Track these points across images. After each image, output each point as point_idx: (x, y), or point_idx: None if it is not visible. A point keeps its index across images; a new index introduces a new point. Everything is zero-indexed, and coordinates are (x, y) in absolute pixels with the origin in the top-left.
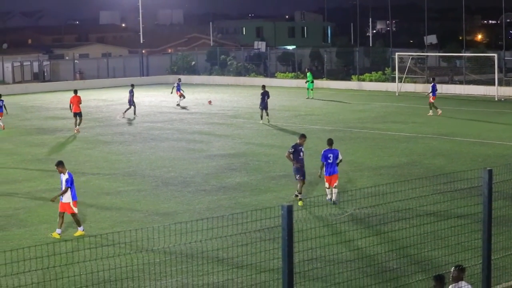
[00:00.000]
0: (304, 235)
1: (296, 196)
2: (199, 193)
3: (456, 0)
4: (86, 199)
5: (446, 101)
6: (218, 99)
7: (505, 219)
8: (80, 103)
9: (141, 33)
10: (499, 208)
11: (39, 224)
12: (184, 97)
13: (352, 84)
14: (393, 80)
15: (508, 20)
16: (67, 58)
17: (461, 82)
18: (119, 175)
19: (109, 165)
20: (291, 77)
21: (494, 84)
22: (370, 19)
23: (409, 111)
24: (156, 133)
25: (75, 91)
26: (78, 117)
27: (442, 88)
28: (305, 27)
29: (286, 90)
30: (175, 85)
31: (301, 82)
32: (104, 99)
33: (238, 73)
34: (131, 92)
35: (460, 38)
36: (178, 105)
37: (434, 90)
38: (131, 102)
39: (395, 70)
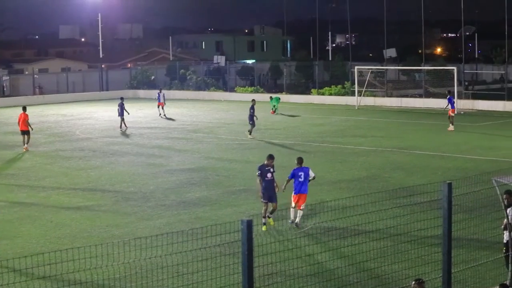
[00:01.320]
0: (264, 249)
1: (265, 218)
2: (159, 208)
3: (416, 13)
4: (46, 214)
5: (405, 115)
6: (178, 114)
7: (465, 232)
8: (27, 121)
9: (100, 48)
10: (459, 221)
11: None
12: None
13: (311, 98)
14: (352, 93)
15: (468, 33)
16: (26, 73)
17: (420, 96)
18: (79, 190)
19: (69, 180)
20: (251, 91)
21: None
22: (330, 32)
23: (369, 125)
24: (115, 148)
25: (24, 108)
26: (25, 135)
27: (402, 102)
28: (265, 41)
29: (246, 104)
30: (156, 96)
31: (260, 96)
32: (64, 114)
33: (198, 88)
34: (122, 105)
35: (420, 51)
36: (163, 115)
37: (452, 103)
38: (122, 114)
39: (355, 84)
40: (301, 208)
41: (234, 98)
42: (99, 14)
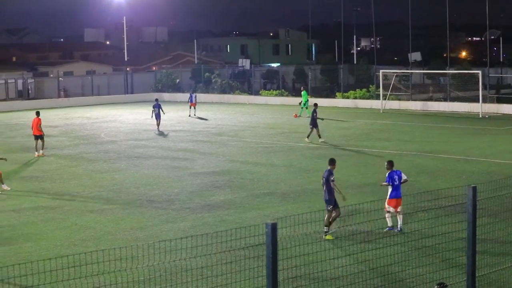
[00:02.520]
0: (289, 252)
1: (327, 231)
2: (184, 211)
3: (441, 17)
4: (70, 217)
5: (430, 118)
6: (202, 117)
7: (490, 236)
8: (40, 125)
9: (125, 51)
10: (484, 225)
11: (23, 242)
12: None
13: (336, 101)
14: (377, 97)
15: (492, 37)
16: (51, 75)
17: (445, 99)
18: (104, 193)
19: (94, 183)
20: (276, 95)
21: (478, 101)
22: (355, 36)
23: (394, 128)
24: (140, 151)
25: (37, 113)
26: (39, 140)
27: (427, 105)
28: (290, 45)
29: (271, 107)
30: (188, 97)
31: (285, 100)
32: (89, 117)
33: (223, 91)
34: (158, 107)
35: (445, 55)
36: (193, 115)
37: None
38: (158, 116)
39: (380, 87)
40: (399, 211)
41: (259, 102)
42: (124, 17)
